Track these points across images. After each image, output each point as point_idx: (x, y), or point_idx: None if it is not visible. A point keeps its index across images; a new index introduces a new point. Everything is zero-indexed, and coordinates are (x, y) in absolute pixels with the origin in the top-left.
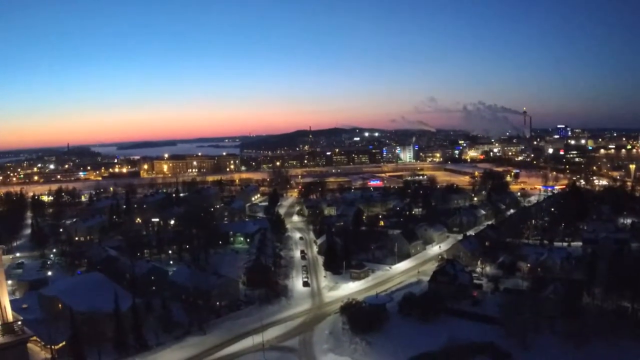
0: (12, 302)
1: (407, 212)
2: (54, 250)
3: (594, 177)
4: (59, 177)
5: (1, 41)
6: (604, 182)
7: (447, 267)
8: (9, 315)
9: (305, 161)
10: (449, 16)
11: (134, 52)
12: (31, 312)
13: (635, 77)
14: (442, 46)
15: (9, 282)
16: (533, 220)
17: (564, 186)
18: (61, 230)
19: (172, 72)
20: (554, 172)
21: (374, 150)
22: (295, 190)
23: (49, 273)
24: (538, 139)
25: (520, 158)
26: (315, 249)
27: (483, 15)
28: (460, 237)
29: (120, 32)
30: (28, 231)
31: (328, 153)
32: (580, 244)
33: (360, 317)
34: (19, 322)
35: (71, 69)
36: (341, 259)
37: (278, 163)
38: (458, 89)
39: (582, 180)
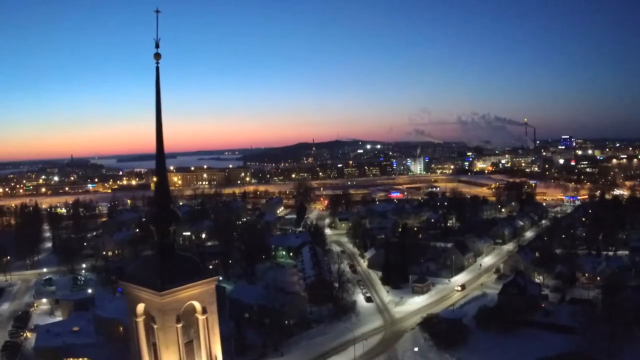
0: (59, 323)
1: (443, 224)
2: (84, 265)
3: (615, 188)
4: (67, 189)
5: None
6: (620, 192)
7: (517, 279)
8: None
9: (320, 174)
10: (448, 26)
11: (134, 64)
12: (84, 335)
13: (634, 87)
14: (439, 58)
15: (43, 300)
16: (572, 230)
17: (585, 197)
18: (85, 244)
19: (172, 84)
20: (573, 183)
21: (384, 163)
22: (318, 202)
23: (89, 291)
24: (542, 150)
25: (534, 169)
26: (363, 262)
27: (481, 27)
28: (504, 248)
29: (120, 43)
30: (47, 244)
31: (340, 165)
32: (625, 252)
33: (442, 332)
34: None
35: (71, 80)
36: (400, 273)
37: (293, 175)
38: (455, 100)
39: (598, 191)
